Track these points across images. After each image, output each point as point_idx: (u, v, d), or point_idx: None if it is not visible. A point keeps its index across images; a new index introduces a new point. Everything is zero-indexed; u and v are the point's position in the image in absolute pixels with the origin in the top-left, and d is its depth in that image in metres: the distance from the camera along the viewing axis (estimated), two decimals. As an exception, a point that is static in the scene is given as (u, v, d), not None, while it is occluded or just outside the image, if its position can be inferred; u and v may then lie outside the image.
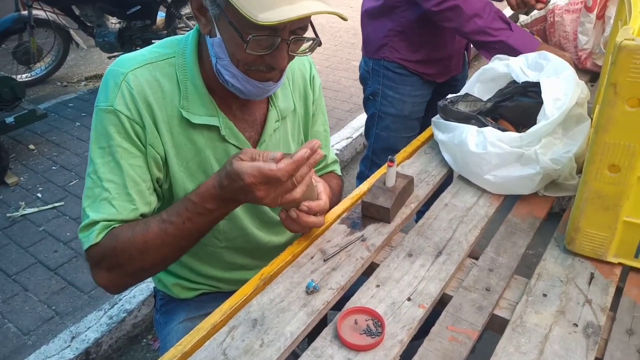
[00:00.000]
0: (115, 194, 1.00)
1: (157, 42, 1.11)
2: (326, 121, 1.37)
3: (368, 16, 1.96)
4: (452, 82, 2.05)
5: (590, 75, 1.82)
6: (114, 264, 1.00)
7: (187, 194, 0.99)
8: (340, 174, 1.43)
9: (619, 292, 0.97)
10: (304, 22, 0.96)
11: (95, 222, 0.99)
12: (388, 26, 1.89)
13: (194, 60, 1.06)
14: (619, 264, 1.00)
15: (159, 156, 1.05)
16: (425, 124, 2.21)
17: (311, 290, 0.94)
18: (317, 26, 1.05)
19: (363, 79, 2.10)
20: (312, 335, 0.91)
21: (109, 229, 1.00)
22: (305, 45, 1.01)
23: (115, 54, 4.33)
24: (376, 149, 2.11)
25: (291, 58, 1.01)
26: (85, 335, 2.07)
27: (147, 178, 1.05)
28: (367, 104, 2.11)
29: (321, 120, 1.34)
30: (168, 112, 1.05)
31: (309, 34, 1.00)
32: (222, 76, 1.03)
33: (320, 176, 1.37)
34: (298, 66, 1.25)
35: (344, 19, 0.92)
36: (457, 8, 1.66)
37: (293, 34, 0.96)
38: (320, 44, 1.01)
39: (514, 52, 1.66)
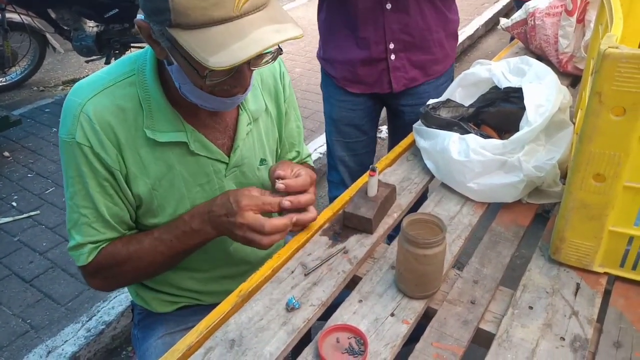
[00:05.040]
0: (93, 218, 1.05)
1: (114, 62, 1.08)
2: (299, 117, 1.36)
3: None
4: (396, 105, 1.85)
5: (571, 78, 1.82)
6: (110, 276, 1.10)
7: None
8: (312, 165, 1.45)
9: (605, 302, 0.95)
10: None
11: (82, 245, 1.06)
12: (318, 20, 1.83)
13: (154, 77, 1.02)
14: (605, 273, 0.99)
15: (123, 178, 1.04)
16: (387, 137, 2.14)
17: (291, 308, 0.90)
18: None
19: None
20: (294, 352, 0.88)
21: (98, 249, 1.07)
22: (268, 56, 0.97)
23: (93, 57, 4.24)
24: (329, 150, 2.05)
25: (252, 72, 0.98)
26: (62, 349, 2.00)
27: (119, 201, 1.07)
28: None
29: (294, 117, 1.33)
30: (132, 133, 1.02)
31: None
32: (188, 98, 1.00)
33: None
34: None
35: (299, 37, 0.87)
36: None
37: None
38: (281, 52, 0.97)
39: None
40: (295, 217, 1.04)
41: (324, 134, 3.51)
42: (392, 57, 1.70)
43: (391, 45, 1.67)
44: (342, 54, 1.76)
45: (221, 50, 0.81)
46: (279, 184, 1.04)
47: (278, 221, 1.00)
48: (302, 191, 1.05)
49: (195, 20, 0.81)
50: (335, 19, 1.72)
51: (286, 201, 1.02)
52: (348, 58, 1.74)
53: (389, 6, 1.60)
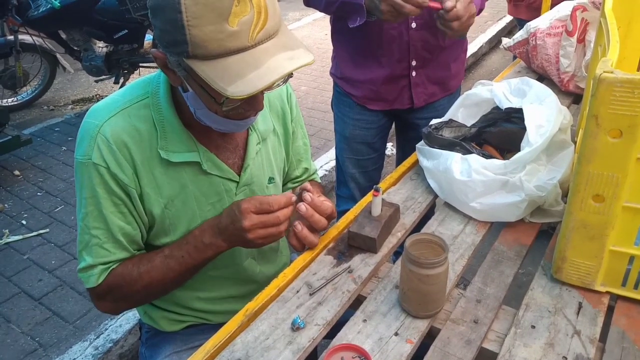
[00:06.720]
0: (104, 239, 1.07)
1: (127, 85, 1.11)
2: (305, 134, 1.39)
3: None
4: (412, 119, 1.88)
5: (573, 97, 1.84)
6: (120, 298, 1.11)
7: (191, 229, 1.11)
8: (319, 181, 1.47)
9: (607, 320, 0.96)
10: None
11: (93, 266, 1.07)
12: (334, 40, 1.88)
13: (168, 100, 1.06)
14: (607, 292, 1.00)
15: (138, 197, 1.07)
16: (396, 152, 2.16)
17: (296, 327, 0.92)
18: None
19: None
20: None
21: (108, 270, 1.08)
22: (280, 80, 1.00)
23: (102, 77, 4.32)
24: (338, 166, 2.08)
25: (264, 94, 1.01)
26: (70, 368, 2.02)
27: (132, 220, 1.09)
28: None
29: (301, 134, 1.36)
30: (147, 154, 1.05)
31: None
32: (202, 121, 1.04)
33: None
34: None
35: (310, 64, 0.91)
36: None
37: None
38: (292, 75, 1.00)
39: (356, 7, 1.52)
40: (302, 227, 1.08)
41: (330, 151, 3.58)
42: (414, 73, 1.75)
43: (413, 62, 1.73)
44: (363, 74, 1.79)
45: (238, 79, 0.84)
46: (301, 206, 1.07)
47: (281, 198, 1.03)
48: (320, 213, 1.10)
49: (212, 52, 0.85)
50: (354, 40, 1.75)
51: (303, 205, 1.07)
52: (370, 77, 1.78)
53: (414, 25, 1.65)
